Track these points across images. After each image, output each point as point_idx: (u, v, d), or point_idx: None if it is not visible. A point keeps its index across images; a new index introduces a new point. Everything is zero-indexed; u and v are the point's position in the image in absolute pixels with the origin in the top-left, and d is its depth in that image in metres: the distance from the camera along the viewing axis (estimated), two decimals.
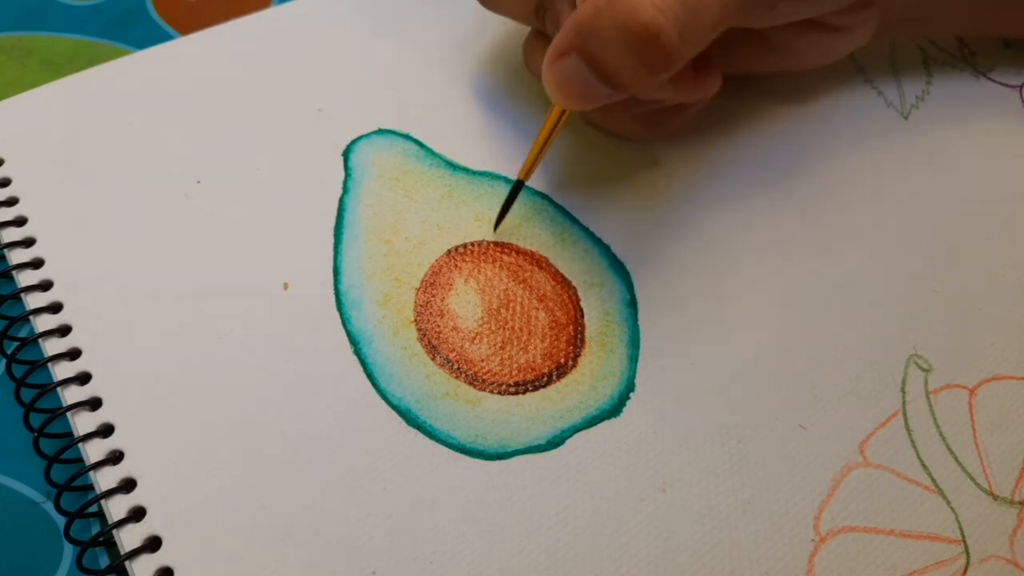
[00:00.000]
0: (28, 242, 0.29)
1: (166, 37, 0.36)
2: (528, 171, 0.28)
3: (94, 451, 0.25)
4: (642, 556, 0.24)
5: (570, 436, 0.25)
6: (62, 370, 0.26)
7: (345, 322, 0.27)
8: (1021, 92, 0.34)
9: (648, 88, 0.26)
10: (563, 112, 0.27)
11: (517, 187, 0.29)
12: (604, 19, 0.23)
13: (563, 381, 0.27)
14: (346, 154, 0.31)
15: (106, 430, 0.25)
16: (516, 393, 0.26)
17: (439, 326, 0.27)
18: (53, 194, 0.30)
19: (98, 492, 0.24)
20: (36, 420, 0.25)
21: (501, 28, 0.35)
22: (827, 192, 0.31)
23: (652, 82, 0.24)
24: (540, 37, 0.30)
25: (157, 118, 0.32)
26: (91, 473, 0.24)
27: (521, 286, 0.28)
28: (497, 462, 0.25)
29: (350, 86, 0.33)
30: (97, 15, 0.36)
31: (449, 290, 0.28)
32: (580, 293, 0.28)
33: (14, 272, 0.28)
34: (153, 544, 0.23)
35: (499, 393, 0.26)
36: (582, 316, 0.28)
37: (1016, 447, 0.26)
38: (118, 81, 0.33)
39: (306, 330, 0.27)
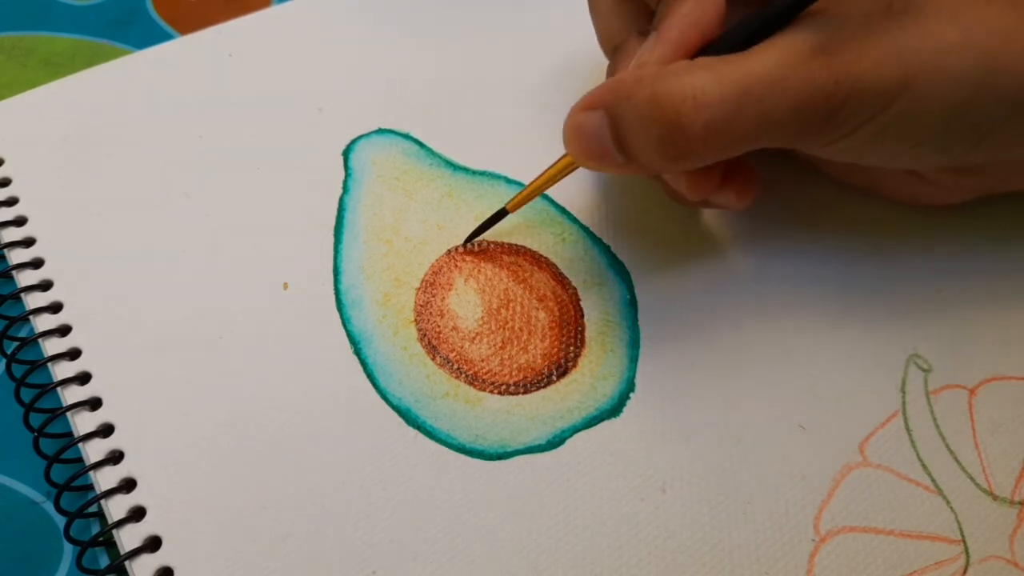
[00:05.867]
0: (28, 242, 0.29)
1: (166, 37, 0.36)
2: (517, 205, 0.28)
3: (94, 451, 0.25)
4: (642, 556, 0.24)
5: (570, 436, 0.25)
6: (62, 370, 0.26)
7: (345, 322, 0.27)
8: None
9: (660, 172, 0.25)
10: (571, 164, 0.26)
11: (501, 214, 0.28)
12: (643, 88, 0.22)
13: (563, 381, 0.26)
14: (346, 154, 0.31)
15: (106, 430, 0.25)
16: (516, 393, 0.26)
17: (439, 326, 0.27)
18: (53, 194, 0.30)
19: (98, 492, 0.24)
20: (36, 420, 0.25)
21: (500, 27, 0.35)
22: (826, 198, 0.30)
23: (664, 169, 0.23)
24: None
25: (157, 118, 0.32)
26: (91, 473, 0.24)
27: (521, 286, 0.28)
28: (497, 462, 0.25)
29: (350, 86, 0.33)
30: (97, 15, 0.36)
31: (449, 290, 0.28)
32: (580, 293, 0.28)
33: (14, 272, 0.28)
34: (153, 544, 0.23)
35: (499, 393, 0.26)
36: (582, 316, 0.28)
37: (1016, 447, 0.26)
38: (118, 81, 0.33)
39: (306, 330, 0.27)
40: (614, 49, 0.27)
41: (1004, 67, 0.22)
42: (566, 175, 0.27)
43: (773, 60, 0.22)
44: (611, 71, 0.27)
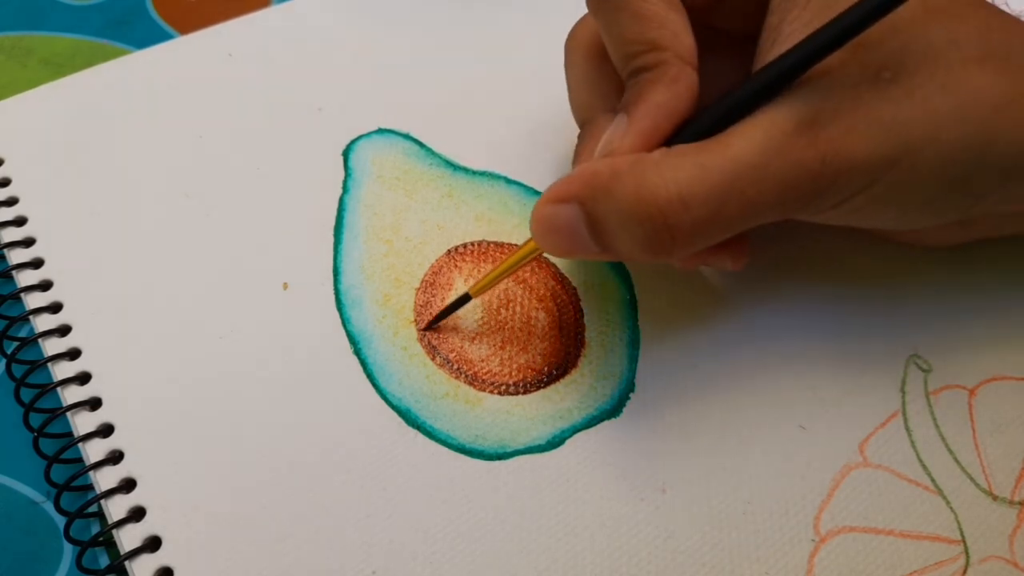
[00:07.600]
0: (28, 242, 0.29)
1: (166, 37, 0.36)
2: (480, 290, 0.26)
3: (94, 451, 0.25)
4: (642, 556, 0.24)
5: (570, 436, 0.25)
6: (62, 370, 0.26)
7: (345, 322, 0.27)
8: None
9: (642, 262, 0.24)
10: (536, 249, 0.24)
11: (463, 299, 0.26)
12: (625, 185, 0.21)
13: (563, 381, 0.26)
14: (346, 154, 0.31)
15: (106, 430, 0.25)
16: (516, 393, 0.26)
17: (439, 326, 0.27)
18: (53, 194, 0.30)
19: (98, 492, 0.24)
20: (36, 420, 0.25)
21: (500, 27, 0.35)
22: None
23: (647, 261, 0.23)
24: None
25: (157, 118, 0.32)
26: (91, 473, 0.24)
27: (521, 286, 0.28)
28: (497, 462, 0.25)
29: (350, 86, 0.33)
30: (97, 15, 0.36)
31: (449, 290, 0.28)
32: (580, 293, 0.28)
33: (14, 272, 0.28)
34: (153, 544, 0.23)
35: (499, 393, 0.26)
36: (582, 316, 0.28)
37: (1016, 447, 0.26)
38: (118, 81, 0.33)
39: (306, 330, 0.27)
40: (583, 123, 0.26)
41: (998, 136, 0.21)
42: (530, 260, 0.25)
43: (756, 143, 0.21)
44: (579, 150, 0.25)
